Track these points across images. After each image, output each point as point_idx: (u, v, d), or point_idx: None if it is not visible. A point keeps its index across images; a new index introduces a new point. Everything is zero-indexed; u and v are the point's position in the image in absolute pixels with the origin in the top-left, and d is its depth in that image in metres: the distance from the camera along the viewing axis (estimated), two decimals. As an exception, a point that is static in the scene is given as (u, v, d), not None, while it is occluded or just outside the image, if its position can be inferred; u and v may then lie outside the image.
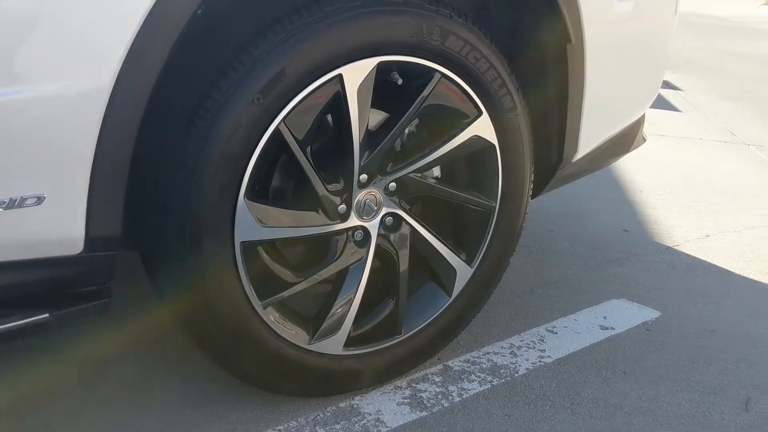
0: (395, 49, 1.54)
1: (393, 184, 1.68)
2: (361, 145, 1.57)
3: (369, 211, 1.67)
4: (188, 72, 1.43)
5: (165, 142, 1.41)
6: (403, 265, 1.74)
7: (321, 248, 1.65)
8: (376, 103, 1.63)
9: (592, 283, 2.50)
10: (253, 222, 1.47)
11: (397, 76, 1.60)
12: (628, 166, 3.91)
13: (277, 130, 1.44)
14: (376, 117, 1.67)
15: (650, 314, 2.31)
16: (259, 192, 1.54)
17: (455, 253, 1.79)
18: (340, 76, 1.48)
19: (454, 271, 1.80)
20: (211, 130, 1.39)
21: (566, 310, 2.29)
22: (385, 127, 1.65)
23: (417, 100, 1.61)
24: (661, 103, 5.66)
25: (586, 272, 2.59)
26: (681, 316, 2.32)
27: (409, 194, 1.72)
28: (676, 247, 2.89)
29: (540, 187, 1.99)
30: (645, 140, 2.32)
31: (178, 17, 1.28)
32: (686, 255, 2.84)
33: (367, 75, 1.52)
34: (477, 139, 1.72)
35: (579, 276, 2.55)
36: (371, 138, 1.62)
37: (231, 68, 1.40)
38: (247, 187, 1.44)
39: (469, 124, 1.70)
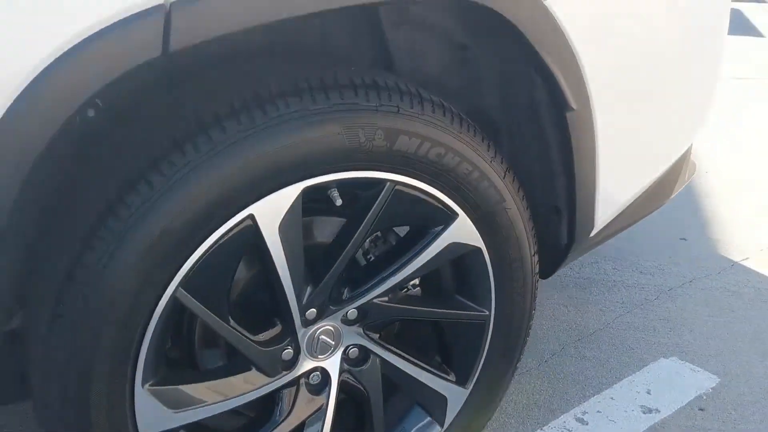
0: (325, 168, 1.17)
1: (353, 312, 1.35)
2: (296, 282, 1.23)
3: (325, 349, 1.34)
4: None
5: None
6: (377, 398, 1.42)
7: (265, 407, 1.34)
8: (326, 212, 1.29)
9: (636, 335, 2.11)
10: (161, 410, 1.17)
11: (336, 194, 1.23)
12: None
13: (174, 299, 1.12)
14: (328, 226, 1.33)
15: (706, 382, 1.92)
16: (166, 367, 1.22)
17: (443, 377, 1.45)
18: (251, 217, 1.14)
19: (444, 398, 1.47)
20: (87, 304, 1.07)
21: (602, 382, 1.92)
22: (333, 250, 1.30)
23: (368, 217, 1.25)
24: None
25: (630, 315, 2.19)
26: (745, 383, 1.92)
27: (375, 321, 1.38)
28: (743, 263, 2.45)
29: (553, 268, 1.61)
30: (694, 172, 1.88)
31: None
32: (756, 274, 2.39)
33: (290, 207, 1.16)
34: (456, 246, 1.35)
35: (621, 322, 2.16)
36: (316, 266, 1.28)
37: (96, 238, 1.07)
38: (144, 371, 1.14)
39: (441, 232, 1.33)
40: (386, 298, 1.37)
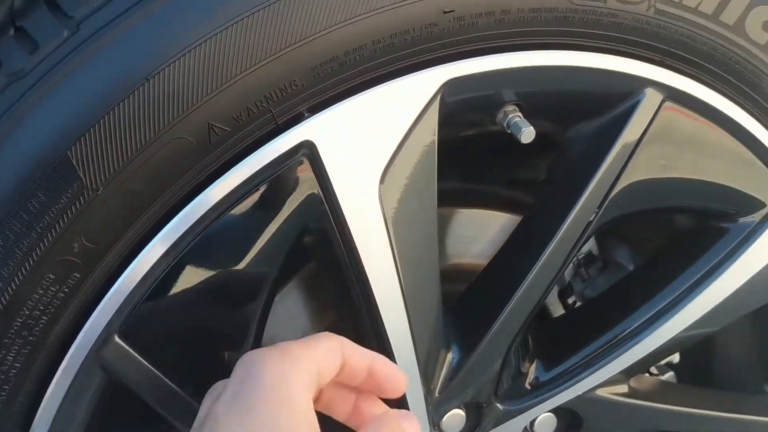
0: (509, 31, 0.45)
1: (548, 420, 0.59)
2: (421, 337, 0.50)
3: None
4: None
5: None
6: None
7: None
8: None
9: None
10: None
11: (516, 116, 0.49)
12: None
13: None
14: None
15: None
16: None
17: None
18: (308, 149, 0.42)
19: None
20: None
21: None
22: (502, 268, 0.56)
23: (599, 177, 0.51)
24: None
25: None
26: None
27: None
28: None
29: None
30: None
31: None
32: None
33: (411, 136, 0.44)
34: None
35: None
36: (464, 305, 0.55)
37: None
38: None
39: (758, 228, 0.57)
40: (619, 389, 0.61)
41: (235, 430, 0.34)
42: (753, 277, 0.56)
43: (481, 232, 0.66)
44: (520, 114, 0.49)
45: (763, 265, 0.56)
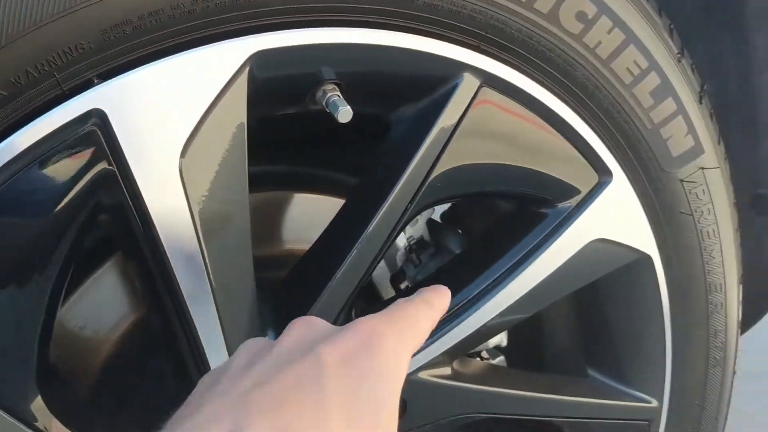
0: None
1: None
2: (229, 319, 0.48)
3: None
4: None
5: None
6: None
7: None
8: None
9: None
10: None
11: (335, 94, 0.49)
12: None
13: None
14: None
15: None
16: None
17: None
18: (98, 118, 0.39)
19: None
20: None
21: None
22: (323, 250, 0.55)
23: (418, 159, 0.50)
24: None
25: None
26: None
27: (417, 424, 0.62)
28: None
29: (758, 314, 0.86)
30: None
31: None
32: None
33: (216, 108, 0.42)
34: (601, 250, 0.60)
35: None
36: (281, 288, 0.54)
37: None
38: None
39: (573, 213, 0.59)
40: (442, 371, 0.62)
41: (349, 386, 0.33)
42: (568, 261, 0.58)
43: (315, 217, 0.65)
44: (338, 93, 0.48)
45: (577, 249, 0.58)
